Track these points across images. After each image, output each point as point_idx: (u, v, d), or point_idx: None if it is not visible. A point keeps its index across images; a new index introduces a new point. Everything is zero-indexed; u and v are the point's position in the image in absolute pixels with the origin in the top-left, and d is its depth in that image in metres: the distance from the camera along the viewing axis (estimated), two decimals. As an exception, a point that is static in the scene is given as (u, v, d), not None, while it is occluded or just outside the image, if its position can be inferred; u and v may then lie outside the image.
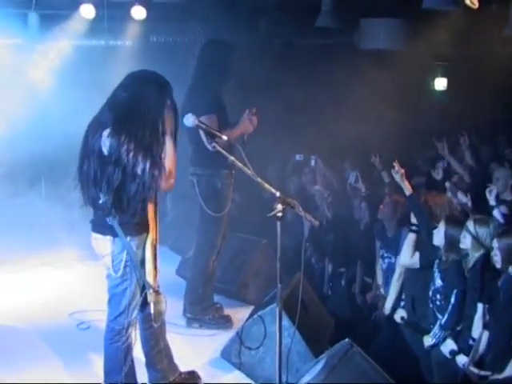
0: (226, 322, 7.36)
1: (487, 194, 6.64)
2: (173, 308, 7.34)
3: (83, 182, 5.13)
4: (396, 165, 6.82)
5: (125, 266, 5.15)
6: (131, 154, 4.89)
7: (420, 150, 11.76)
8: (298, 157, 10.21)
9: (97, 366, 6.05)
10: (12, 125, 11.01)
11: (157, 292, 5.31)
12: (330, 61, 12.22)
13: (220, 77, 7.14)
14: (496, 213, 6.48)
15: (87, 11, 10.60)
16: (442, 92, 14.42)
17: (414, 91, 13.13)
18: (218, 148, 5.08)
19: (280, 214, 4.77)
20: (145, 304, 5.39)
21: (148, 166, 4.92)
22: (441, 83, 14.27)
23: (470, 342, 5.82)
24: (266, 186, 4.90)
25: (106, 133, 4.95)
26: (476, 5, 7.94)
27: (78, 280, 8.83)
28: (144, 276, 5.21)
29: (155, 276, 5.26)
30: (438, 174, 8.59)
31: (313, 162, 10.09)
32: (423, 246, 6.66)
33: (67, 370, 6.32)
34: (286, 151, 11.66)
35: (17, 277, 9.11)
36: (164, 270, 8.83)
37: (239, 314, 7.46)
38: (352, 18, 10.54)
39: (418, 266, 6.69)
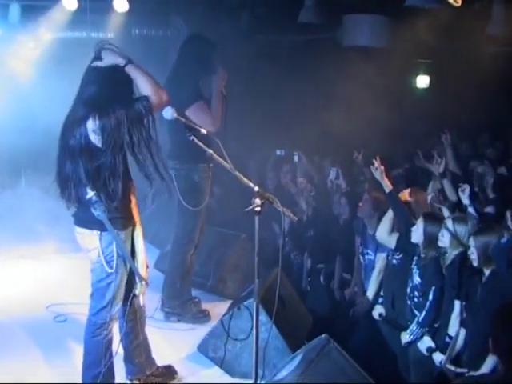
0: (203, 317, 7.37)
1: (460, 193, 6.68)
2: (151, 302, 7.37)
3: (66, 184, 5.06)
4: (376, 162, 6.84)
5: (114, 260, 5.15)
6: (127, 129, 4.89)
7: (401, 147, 11.78)
8: (278, 152, 10.17)
9: (74, 359, 6.07)
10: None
11: (147, 284, 5.35)
12: (313, 57, 12.22)
13: (199, 71, 7.12)
14: (471, 210, 6.50)
15: (69, 2, 10.50)
16: (425, 90, 14.43)
17: (396, 88, 13.12)
18: (197, 141, 5.08)
19: (258, 209, 4.77)
20: (127, 297, 5.38)
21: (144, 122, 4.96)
22: (423, 81, 14.27)
23: (447, 339, 5.85)
24: (245, 180, 4.90)
25: (90, 125, 4.90)
26: (459, 3, 7.94)
27: (58, 273, 8.79)
28: (136, 268, 5.22)
29: (147, 268, 5.29)
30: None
31: (296, 158, 10.03)
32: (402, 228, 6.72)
33: (43, 363, 6.30)
34: (268, 146, 11.63)
35: (-4, 269, 9.07)
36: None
37: (217, 309, 7.45)
38: (335, 14, 10.53)
39: (392, 246, 6.75)
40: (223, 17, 10.92)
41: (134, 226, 5.28)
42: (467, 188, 6.59)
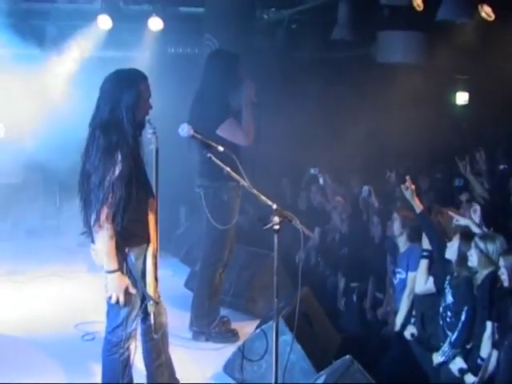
0: (232, 336, 7.29)
1: (471, 214, 6.55)
2: (180, 321, 7.36)
3: (83, 203, 5.06)
4: (407, 182, 6.71)
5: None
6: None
7: (438, 165, 11.63)
8: (312, 170, 10.09)
9: (97, 378, 5.99)
10: (28, 136, 11.09)
11: (157, 303, 5.25)
12: (348, 74, 12.16)
13: (226, 86, 7.08)
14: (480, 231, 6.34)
15: (104, 22, 10.65)
16: (464, 106, 14.26)
17: (434, 105, 12.98)
18: (214, 158, 5.02)
19: (277, 227, 4.71)
20: (146, 316, 5.34)
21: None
22: (462, 97, 14.11)
23: (479, 361, 5.70)
24: (262, 197, 4.85)
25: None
26: (492, 16, 7.82)
27: (87, 291, 8.74)
28: (144, 287, 5.13)
29: (155, 287, 5.18)
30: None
31: (321, 180, 9.90)
32: (436, 269, 6.58)
33: (70, 382, 6.28)
34: (302, 164, 11.56)
35: (26, 287, 9.11)
36: (174, 283, 8.81)
37: (247, 328, 7.35)
38: (369, 31, 10.47)
39: (434, 290, 6.57)
40: (257, 34, 10.92)
41: (148, 243, 5.21)
42: (478, 208, 6.47)
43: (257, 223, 9.78)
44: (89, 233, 5.11)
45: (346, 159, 10.75)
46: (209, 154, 5.02)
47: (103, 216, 4.87)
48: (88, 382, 6.16)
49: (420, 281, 6.69)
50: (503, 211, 8.09)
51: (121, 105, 4.95)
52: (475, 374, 5.68)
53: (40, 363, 6.69)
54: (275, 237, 4.74)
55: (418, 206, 6.66)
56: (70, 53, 11.25)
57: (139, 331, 5.45)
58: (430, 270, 6.68)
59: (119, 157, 4.85)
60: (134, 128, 5.00)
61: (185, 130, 5.04)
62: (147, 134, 5.16)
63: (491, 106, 12.73)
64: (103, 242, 4.94)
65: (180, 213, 11.50)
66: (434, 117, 13.06)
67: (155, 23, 10.88)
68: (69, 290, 9.06)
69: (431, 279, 6.59)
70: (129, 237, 5.03)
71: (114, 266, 4.98)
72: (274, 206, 4.75)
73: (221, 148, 5.10)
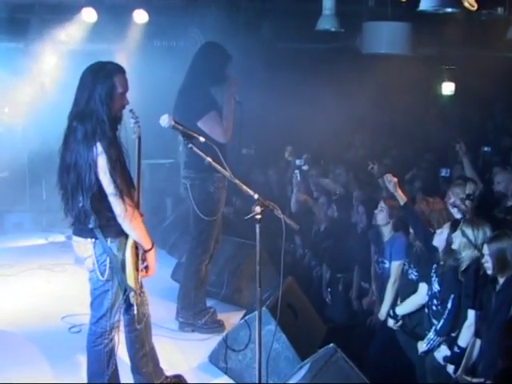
0: (218, 327, 7.29)
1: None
2: (166, 312, 7.37)
3: (63, 194, 5.11)
4: (388, 175, 6.74)
5: (108, 268, 5.11)
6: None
7: (425, 155, 11.66)
8: (298, 161, 10.06)
9: (85, 370, 6.01)
10: (14, 129, 11.08)
11: (140, 294, 5.27)
12: (334, 65, 12.18)
13: (210, 81, 7.09)
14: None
15: (89, 15, 10.63)
16: (450, 96, 14.27)
17: (420, 96, 13.01)
18: (195, 149, 5.03)
19: (259, 217, 4.74)
20: (129, 306, 5.36)
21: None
22: (448, 88, 14.11)
23: (456, 349, 5.73)
24: (244, 187, 4.87)
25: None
26: (475, 6, 7.78)
27: (74, 284, 8.73)
28: (125, 279, 5.14)
29: (136, 278, 5.18)
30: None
31: (298, 176, 9.78)
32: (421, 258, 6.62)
33: (56, 374, 6.30)
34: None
35: (13, 280, 9.12)
36: (160, 274, 8.77)
37: (233, 319, 7.36)
38: (353, 22, 10.45)
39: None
40: (242, 26, 10.92)
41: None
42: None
43: (243, 215, 9.87)
44: (76, 223, 5.15)
45: (332, 149, 10.79)
46: (190, 145, 5.03)
47: (125, 206, 4.96)
48: (75, 373, 6.15)
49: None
50: (486, 198, 8.12)
51: (95, 97, 4.96)
52: (454, 363, 5.71)
53: (27, 355, 6.71)
54: (257, 226, 4.74)
55: (402, 198, 6.68)
56: (54, 46, 11.23)
57: (123, 322, 5.48)
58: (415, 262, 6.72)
59: (99, 148, 4.86)
60: (110, 120, 5.01)
61: (166, 120, 5.04)
62: (130, 123, 5.19)
63: (477, 95, 12.77)
64: (139, 227, 5.10)
65: (166, 204, 11.50)
66: (420, 107, 13.11)
67: (140, 16, 10.88)
68: (56, 282, 9.06)
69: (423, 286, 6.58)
70: (111, 228, 5.06)
71: (151, 241, 5.23)
72: (256, 196, 4.77)
73: (202, 139, 5.11)
